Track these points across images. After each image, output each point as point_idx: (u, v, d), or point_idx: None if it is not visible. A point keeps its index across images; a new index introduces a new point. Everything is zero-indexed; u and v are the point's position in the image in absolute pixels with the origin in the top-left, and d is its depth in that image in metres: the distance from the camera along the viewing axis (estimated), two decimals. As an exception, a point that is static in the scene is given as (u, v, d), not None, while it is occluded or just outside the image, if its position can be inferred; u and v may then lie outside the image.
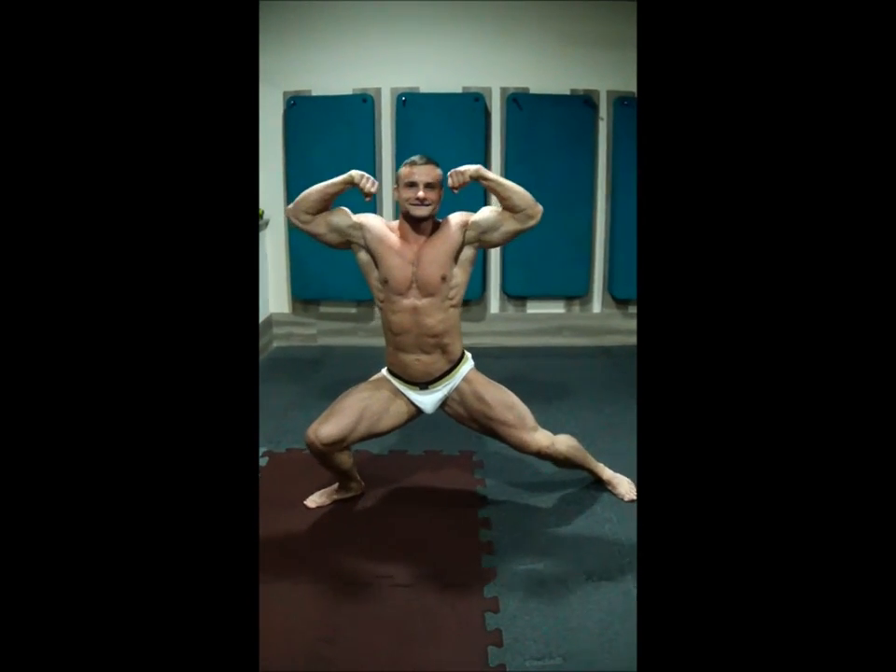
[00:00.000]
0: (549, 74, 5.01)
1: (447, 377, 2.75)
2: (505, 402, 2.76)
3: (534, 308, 5.40)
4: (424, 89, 4.99)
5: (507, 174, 4.98)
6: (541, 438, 2.77)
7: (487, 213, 2.63)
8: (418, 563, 2.51)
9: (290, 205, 2.65)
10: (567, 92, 5.04)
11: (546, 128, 4.96)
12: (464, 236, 2.62)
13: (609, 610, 2.26)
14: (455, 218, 2.66)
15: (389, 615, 2.23)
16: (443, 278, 2.62)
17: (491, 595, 2.34)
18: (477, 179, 2.56)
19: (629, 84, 5.02)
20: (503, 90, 5.03)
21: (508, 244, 2.78)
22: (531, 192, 2.55)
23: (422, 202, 2.54)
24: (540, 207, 2.58)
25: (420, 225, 2.62)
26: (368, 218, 2.67)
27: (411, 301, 2.63)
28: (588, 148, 5.09)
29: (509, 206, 2.57)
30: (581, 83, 5.04)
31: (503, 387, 2.81)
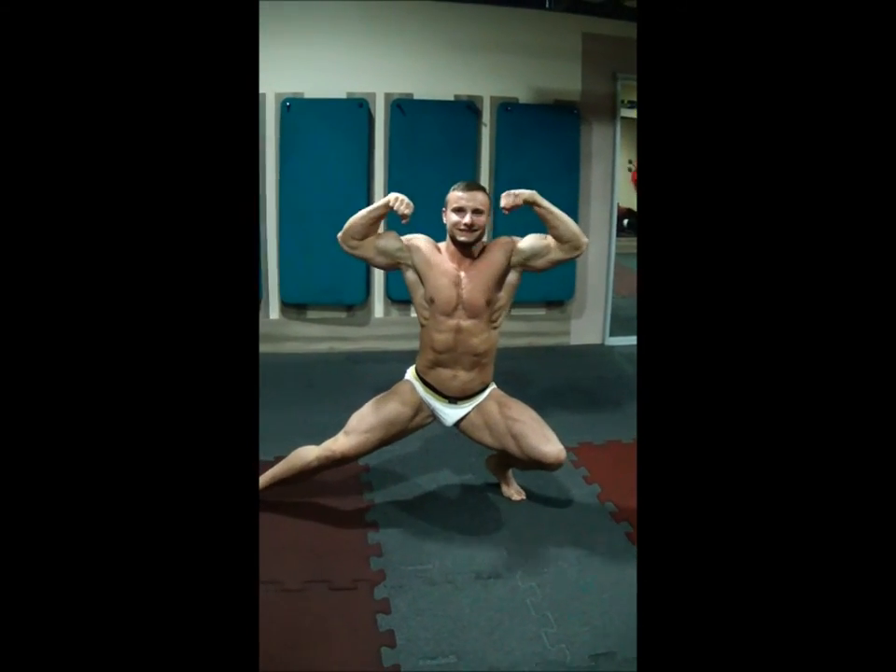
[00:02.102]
0: (433, 79, 5.06)
1: (479, 395, 2.79)
2: (530, 413, 2.76)
3: (418, 312, 5.40)
4: (308, 94, 4.95)
5: (390, 179, 5.01)
6: (560, 449, 2.65)
7: (533, 240, 2.66)
8: (307, 568, 2.48)
9: (340, 233, 2.64)
10: (451, 98, 5.10)
11: (429, 133, 5.01)
12: (509, 261, 2.67)
13: (499, 608, 2.29)
14: (502, 243, 2.69)
15: (280, 621, 2.19)
16: (488, 302, 2.68)
17: (381, 597, 2.33)
18: (530, 204, 2.56)
19: (512, 90, 5.13)
20: (387, 95, 5.04)
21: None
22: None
23: (469, 227, 2.58)
24: (586, 240, 2.62)
25: (467, 248, 2.65)
26: (415, 240, 2.71)
27: (456, 321, 2.67)
28: (471, 153, 5.16)
29: (556, 236, 2.60)
30: (465, 89, 5.12)
31: (520, 401, 2.84)
